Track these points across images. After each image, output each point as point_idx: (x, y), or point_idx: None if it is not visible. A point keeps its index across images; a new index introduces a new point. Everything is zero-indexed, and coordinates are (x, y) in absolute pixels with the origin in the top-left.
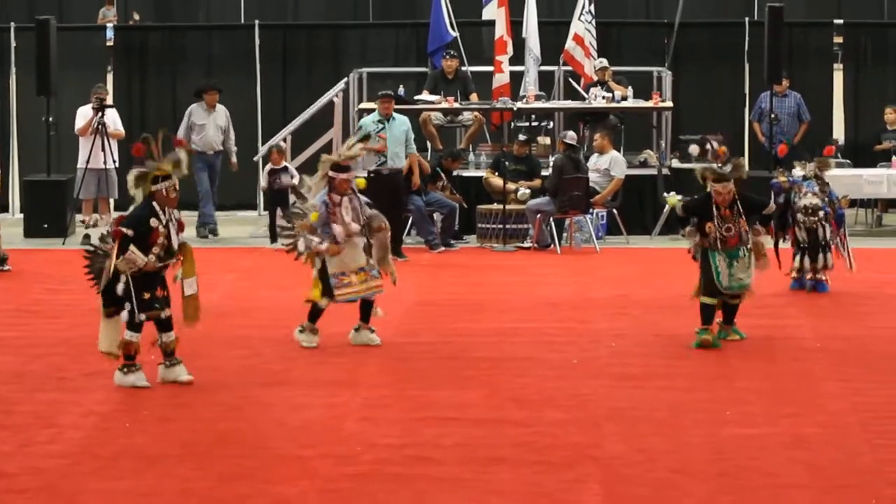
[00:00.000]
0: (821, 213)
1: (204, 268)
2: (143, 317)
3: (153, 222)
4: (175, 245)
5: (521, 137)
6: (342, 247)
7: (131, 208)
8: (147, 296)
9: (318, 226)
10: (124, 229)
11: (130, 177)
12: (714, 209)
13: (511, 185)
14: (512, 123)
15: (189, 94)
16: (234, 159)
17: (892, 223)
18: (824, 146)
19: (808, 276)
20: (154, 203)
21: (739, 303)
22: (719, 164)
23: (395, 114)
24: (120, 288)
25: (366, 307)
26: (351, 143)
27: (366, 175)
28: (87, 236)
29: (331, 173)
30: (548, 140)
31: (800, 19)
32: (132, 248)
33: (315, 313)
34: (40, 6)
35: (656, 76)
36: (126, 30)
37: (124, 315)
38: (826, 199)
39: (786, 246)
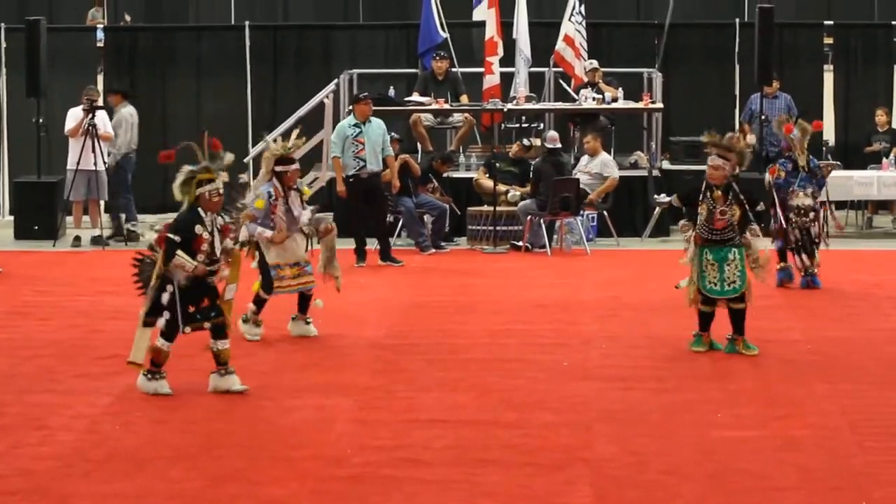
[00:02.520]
0: (811, 214)
1: None
2: (187, 329)
3: (198, 229)
4: (218, 250)
5: (526, 143)
6: (286, 235)
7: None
8: (192, 309)
9: (261, 216)
10: (170, 234)
11: (176, 181)
12: (708, 191)
13: (501, 187)
14: (502, 125)
15: (179, 95)
16: (108, 161)
17: (883, 225)
18: (814, 148)
19: (801, 272)
20: (199, 208)
21: (744, 308)
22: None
23: (371, 117)
24: (165, 298)
25: (303, 299)
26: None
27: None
28: (77, 238)
29: (278, 168)
30: (538, 141)
31: (790, 20)
32: (179, 252)
33: (259, 303)
34: (30, 7)
35: (646, 77)
36: (116, 31)
37: (160, 322)
38: (814, 185)
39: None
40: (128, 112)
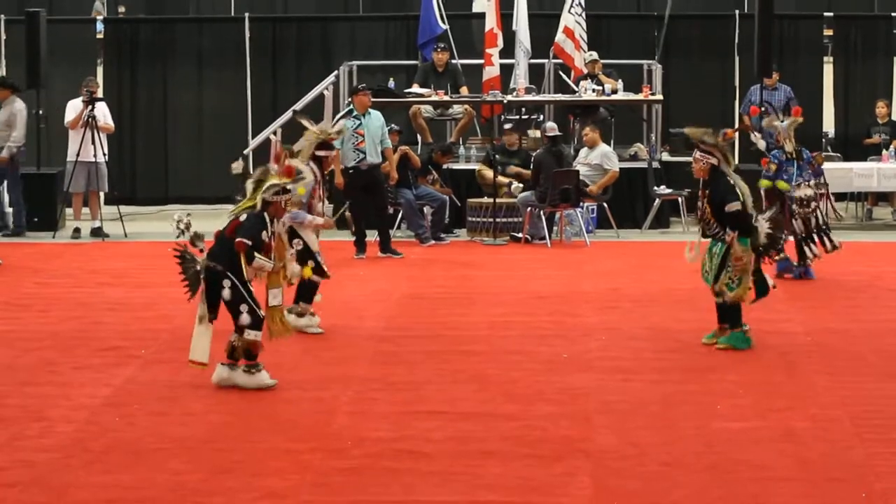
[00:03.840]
0: (813, 204)
1: None
2: (262, 313)
3: (264, 235)
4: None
5: (507, 126)
6: (331, 222)
7: (243, 217)
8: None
9: (305, 200)
10: (246, 240)
11: (262, 187)
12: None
13: (503, 179)
14: (502, 116)
15: (179, 87)
16: (3, 154)
17: (882, 217)
18: (814, 139)
19: (811, 261)
20: (265, 214)
21: (721, 302)
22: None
23: (370, 109)
24: (227, 294)
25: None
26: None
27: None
28: (77, 230)
29: (319, 152)
30: (538, 133)
31: (790, 12)
32: (258, 255)
33: (310, 290)
34: None
35: (646, 69)
36: (116, 22)
37: (245, 318)
38: (813, 179)
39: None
40: (21, 106)
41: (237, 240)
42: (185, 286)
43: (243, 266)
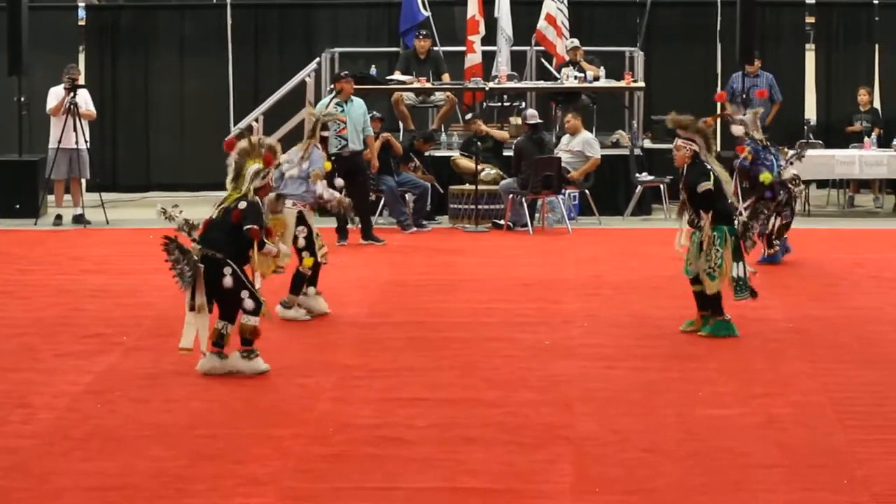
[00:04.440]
0: (801, 186)
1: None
2: (262, 298)
3: (266, 218)
4: None
5: (469, 116)
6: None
7: (242, 205)
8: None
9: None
10: (256, 227)
11: (230, 174)
12: None
13: (480, 166)
14: (484, 104)
15: (161, 74)
16: None
17: (864, 204)
18: (795, 127)
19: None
20: (258, 199)
21: (700, 290)
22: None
23: (352, 96)
24: (228, 281)
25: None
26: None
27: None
28: (58, 217)
29: (324, 133)
30: (519, 120)
31: None
32: (266, 241)
33: (299, 283)
34: None
35: (628, 56)
36: (98, 9)
37: (248, 304)
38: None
39: None
40: None
41: (250, 227)
42: (185, 276)
43: (254, 251)
